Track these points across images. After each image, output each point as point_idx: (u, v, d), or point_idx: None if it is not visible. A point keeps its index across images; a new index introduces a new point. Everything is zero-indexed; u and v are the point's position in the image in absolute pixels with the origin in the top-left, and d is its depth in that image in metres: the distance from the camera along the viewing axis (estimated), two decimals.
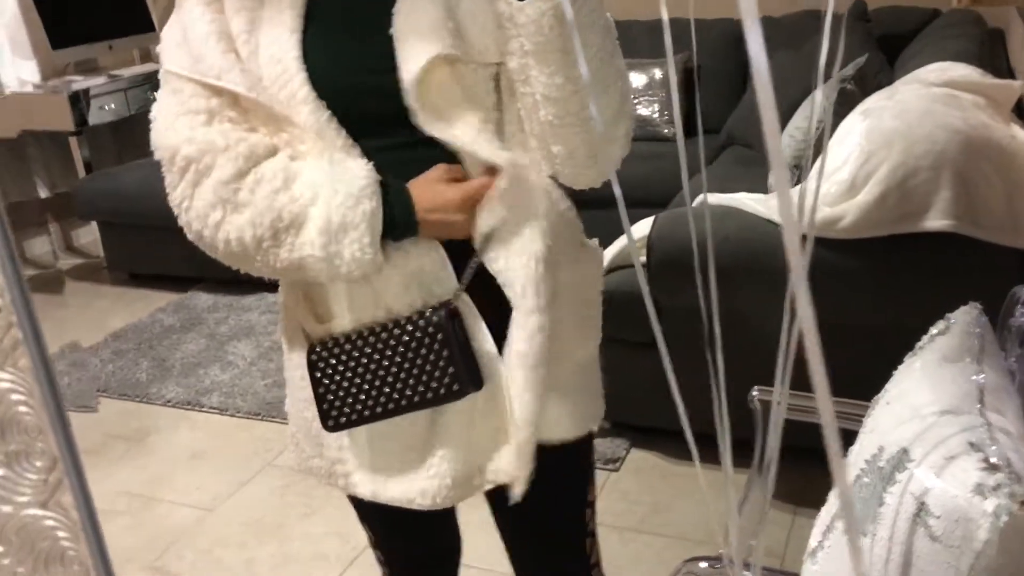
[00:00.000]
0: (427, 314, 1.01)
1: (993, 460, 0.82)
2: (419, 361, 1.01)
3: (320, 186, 0.96)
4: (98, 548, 0.44)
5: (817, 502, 1.12)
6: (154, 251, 3.88)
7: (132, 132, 4.52)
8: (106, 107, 4.10)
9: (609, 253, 2.49)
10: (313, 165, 0.97)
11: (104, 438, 2.79)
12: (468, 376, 1.02)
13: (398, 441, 1.08)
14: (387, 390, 1.03)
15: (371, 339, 1.03)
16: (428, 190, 0.99)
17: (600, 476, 2.35)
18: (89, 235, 4.47)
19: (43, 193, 4.35)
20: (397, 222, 0.98)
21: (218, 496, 2.46)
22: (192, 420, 2.86)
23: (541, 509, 1.17)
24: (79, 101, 3.98)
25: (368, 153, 0.99)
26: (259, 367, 3.10)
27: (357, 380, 1.04)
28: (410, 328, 1.01)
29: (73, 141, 4.04)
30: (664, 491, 2.29)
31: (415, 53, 0.95)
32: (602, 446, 2.43)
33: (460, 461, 1.06)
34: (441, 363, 1.01)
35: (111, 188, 3.85)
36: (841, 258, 1.99)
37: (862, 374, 1.20)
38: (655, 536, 2.14)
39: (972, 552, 0.81)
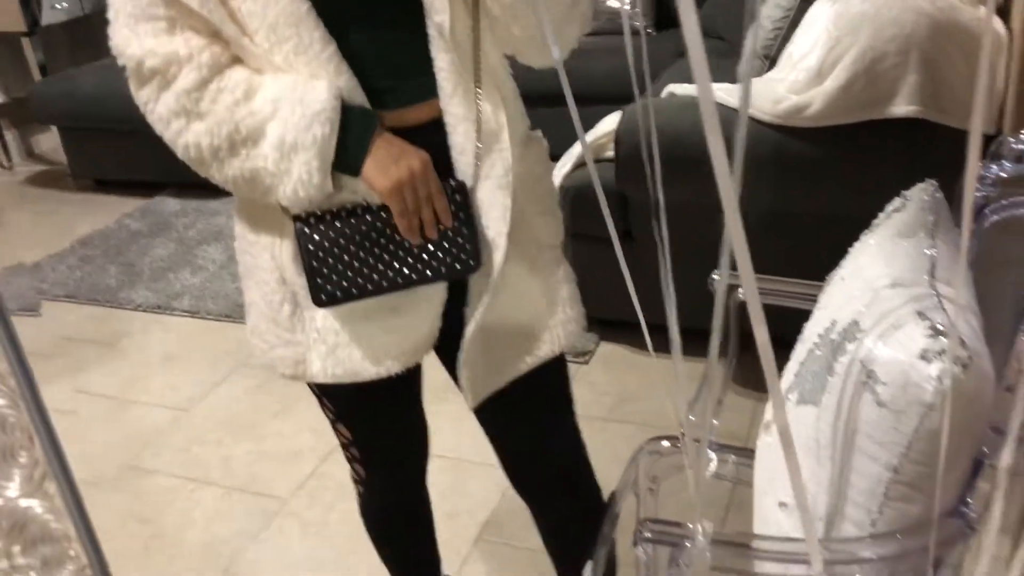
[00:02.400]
0: (446, 190, 1.03)
1: (939, 327, 0.84)
2: (434, 236, 1.04)
3: (280, 102, 0.96)
4: (84, 525, 0.44)
5: None
6: (118, 156, 3.82)
7: (88, 32, 4.37)
8: (58, 6, 3.96)
9: (575, 149, 2.47)
10: (277, 79, 0.97)
11: (75, 343, 2.79)
12: (478, 252, 1.05)
13: (374, 319, 1.09)
14: (392, 265, 1.03)
15: (374, 215, 1.02)
16: (396, 144, 1.00)
17: (570, 369, 2.39)
18: (50, 141, 4.38)
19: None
20: (349, 153, 0.99)
21: (192, 397, 2.48)
22: (164, 323, 2.86)
23: (529, 400, 1.21)
24: (30, 1, 3.84)
25: (348, 48, 0.98)
26: (229, 270, 3.08)
27: (357, 256, 1.03)
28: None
29: (26, 43, 3.92)
30: (632, 381, 2.33)
31: None
32: None
33: (428, 323, 1.11)
34: (459, 239, 1.04)
35: (69, 91, 3.75)
36: (809, 147, 1.98)
37: (830, 260, 1.22)
38: (623, 424, 2.19)
39: (917, 416, 0.83)
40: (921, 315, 0.86)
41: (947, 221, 1.08)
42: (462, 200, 1.04)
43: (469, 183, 1.05)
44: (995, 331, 0.97)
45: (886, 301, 0.92)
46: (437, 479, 1.59)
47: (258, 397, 2.45)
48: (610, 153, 2.29)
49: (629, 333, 2.42)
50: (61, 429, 0.71)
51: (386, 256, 1.03)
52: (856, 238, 1.13)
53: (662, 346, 0.73)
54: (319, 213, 1.02)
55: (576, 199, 2.34)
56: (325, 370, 1.11)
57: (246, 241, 1.14)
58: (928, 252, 0.99)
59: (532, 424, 1.26)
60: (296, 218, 1.02)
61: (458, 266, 1.04)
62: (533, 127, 1.18)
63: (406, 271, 1.04)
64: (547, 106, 1.74)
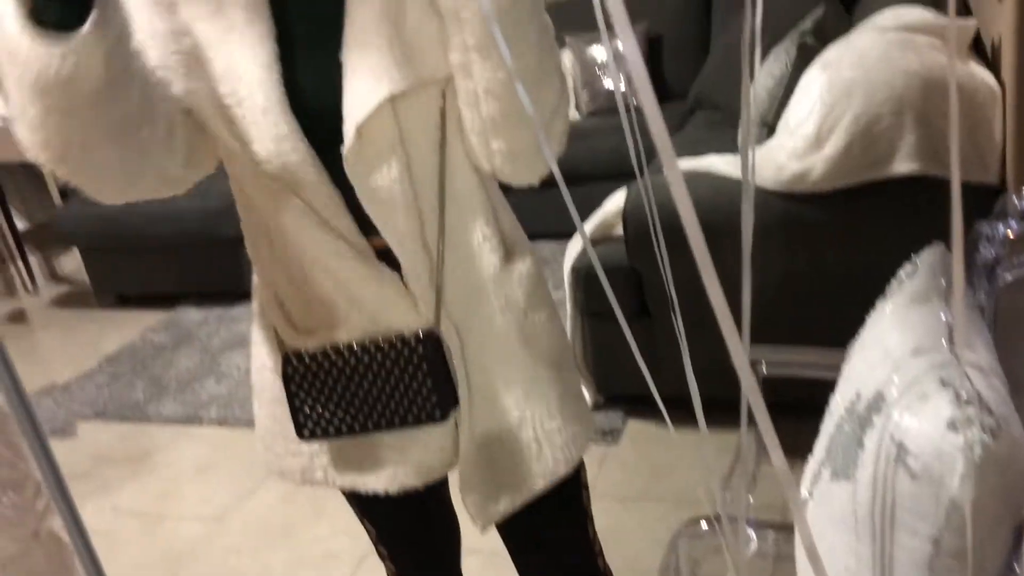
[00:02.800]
0: (411, 342, 1.02)
1: (964, 395, 0.85)
2: (401, 386, 1.03)
3: None
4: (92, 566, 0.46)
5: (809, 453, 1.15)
6: (138, 271, 3.89)
7: None
8: None
9: (586, 227, 2.51)
10: None
11: (106, 462, 2.81)
12: (451, 400, 1.04)
13: (371, 441, 1.10)
14: (366, 408, 1.05)
15: (350, 358, 1.03)
16: None
17: (599, 450, 2.38)
18: (72, 263, 4.47)
19: (22, 225, 4.35)
20: None
21: (226, 507, 2.48)
22: (193, 435, 2.87)
23: (540, 521, 1.20)
24: None
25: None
26: None
27: (335, 396, 1.05)
28: (393, 353, 1.02)
29: (47, 170, 4.03)
30: (663, 457, 2.32)
31: (362, 92, 0.95)
32: (599, 420, 2.46)
33: (436, 439, 1.10)
34: (424, 389, 1.03)
35: (90, 212, 3.84)
36: (815, 211, 2.01)
37: (842, 323, 1.23)
38: (658, 503, 2.17)
39: (951, 486, 0.83)
40: (944, 383, 0.87)
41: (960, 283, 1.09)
42: (425, 351, 1.01)
43: (431, 325, 1.03)
44: (1021, 390, 0.98)
45: (908, 371, 0.93)
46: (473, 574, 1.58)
47: (292, 502, 2.45)
48: (620, 231, 2.33)
49: (656, 408, 2.41)
50: (99, 550, 0.73)
51: (358, 399, 1.05)
52: (871, 298, 1.15)
53: (692, 418, 0.73)
54: (307, 351, 1.05)
55: (589, 278, 2.37)
56: (329, 479, 1.14)
57: (255, 360, 1.19)
58: (944, 317, 1.00)
59: (545, 540, 1.24)
60: (284, 356, 1.05)
61: (424, 416, 1.04)
62: (540, 210, 1.15)
63: (375, 416, 1.05)
64: (556, 185, 1.78)
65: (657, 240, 0.88)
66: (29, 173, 4.25)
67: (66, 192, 4.07)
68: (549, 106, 0.98)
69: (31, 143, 0.87)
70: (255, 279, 1.15)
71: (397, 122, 0.98)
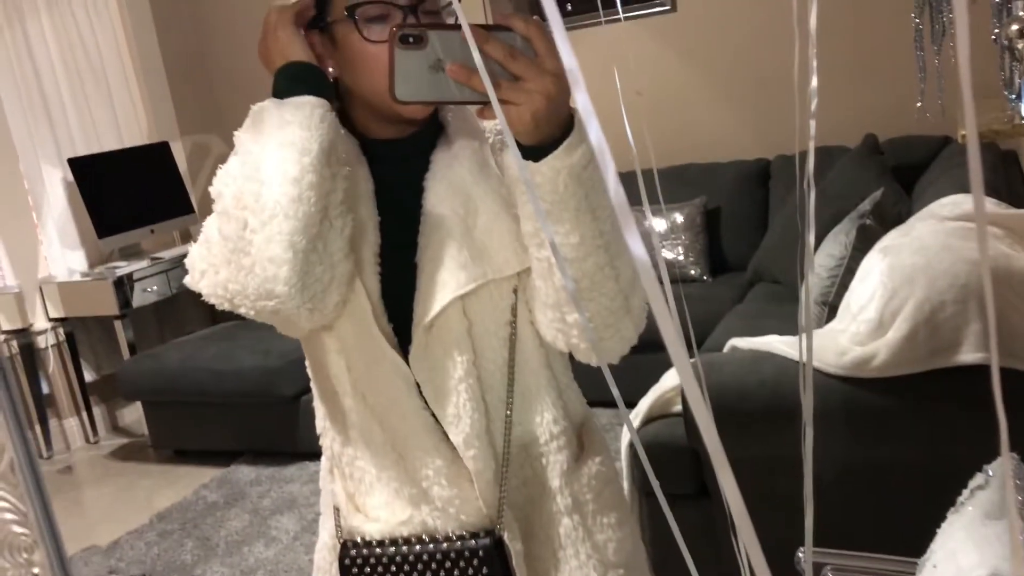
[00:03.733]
0: (472, 541, 1.01)
1: None
2: None
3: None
4: None
5: None
6: (197, 426, 3.94)
7: (174, 311, 4.66)
8: (148, 289, 4.25)
9: (644, 404, 2.48)
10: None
11: None
12: None
13: None
14: None
15: (409, 554, 1.02)
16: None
17: None
18: (133, 414, 4.55)
19: (89, 376, 4.46)
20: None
21: None
22: None
23: None
24: (123, 285, 4.14)
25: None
26: (302, 541, 3.07)
27: None
28: (453, 552, 1.01)
29: (118, 324, 4.18)
30: None
31: (431, 292, 0.99)
32: None
33: None
34: None
35: (154, 368, 3.94)
36: (878, 398, 1.96)
37: (906, 518, 1.17)
38: None
39: None
40: None
41: None
42: (486, 553, 0.99)
43: (494, 525, 1.02)
44: None
45: None
46: None
47: None
48: (678, 408, 2.29)
49: None
50: None
51: None
52: (938, 494, 1.10)
53: None
54: (368, 537, 1.04)
55: (647, 456, 2.32)
56: None
57: (321, 534, 1.19)
58: (1021, 536, 0.95)
59: None
60: (344, 543, 1.05)
61: None
62: (596, 375, 1.10)
63: None
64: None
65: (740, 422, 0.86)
66: (102, 326, 4.40)
67: (134, 347, 4.19)
68: (627, 277, 0.96)
69: (277, 241, 0.91)
70: (325, 456, 1.15)
71: (466, 319, 1.01)
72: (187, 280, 1.01)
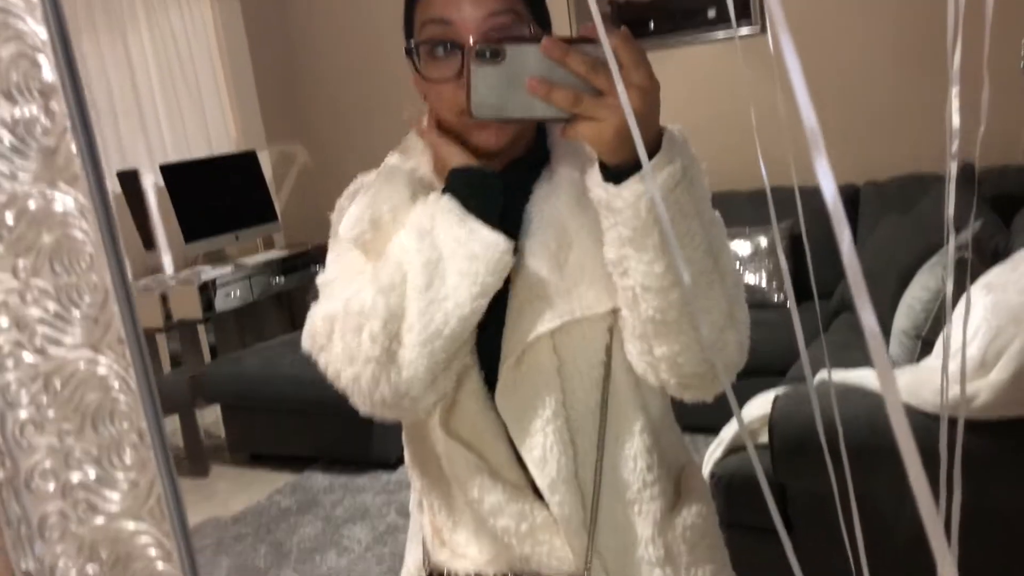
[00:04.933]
0: None
1: None
2: None
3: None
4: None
5: None
6: (274, 431, 4.00)
7: (255, 317, 4.75)
8: (232, 294, 4.34)
9: (727, 433, 2.43)
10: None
11: None
12: None
13: None
14: None
15: None
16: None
17: None
18: (211, 416, 4.64)
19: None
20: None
21: None
22: None
23: None
24: (207, 289, 4.24)
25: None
26: (374, 552, 3.08)
27: None
28: None
29: (201, 328, 4.27)
30: None
31: (518, 329, 0.97)
32: None
33: None
34: None
35: (234, 372, 4.02)
36: (979, 439, 1.89)
37: (1009, 570, 1.11)
38: None
39: None
40: None
41: None
42: None
43: (581, 573, 0.98)
44: None
45: None
46: None
47: None
48: (763, 439, 2.24)
49: None
50: None
51: None
52: None
53: None
54: (453, 573, 1.03)
55: (730, 487, 2.27)
56: None
57: (407, 559, 1.18)
58: None
59: None
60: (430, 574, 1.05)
61: None
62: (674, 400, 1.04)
63: None
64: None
65: (835, 455, 0.83)
66: (184, 328, 4.50)
67: (215, 350, 4.28)
68: (720, 310, 0.89)
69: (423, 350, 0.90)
70: (414, 488, 1.14)
71: (556, 357, 0.97)
72: (304, 344, 1.00)
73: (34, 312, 0.38)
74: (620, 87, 0.57)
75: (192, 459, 4.11)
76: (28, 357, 0.39)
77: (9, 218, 0.37)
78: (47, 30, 0.35)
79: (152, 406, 0.40)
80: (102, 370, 0.39)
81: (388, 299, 0.90)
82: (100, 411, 0.40)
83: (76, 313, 0.39)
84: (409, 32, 0.99)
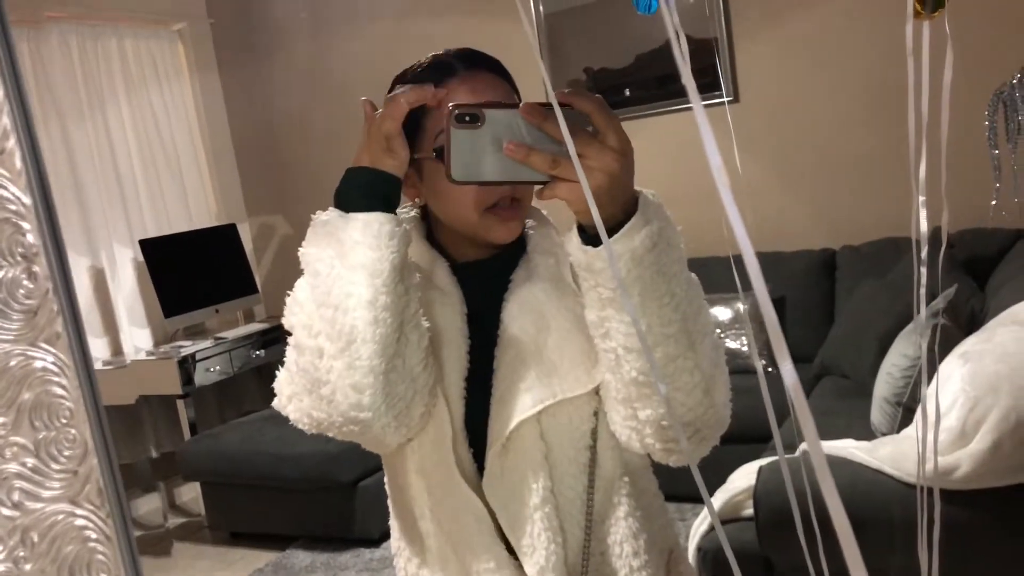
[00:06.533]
0: None
1: None
2: None
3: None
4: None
5: None
6: (254, 509, 3.94)
7: (235, 390, 4.71)
8: (211, 369, 4.31)
9: (713, 504, 2.41)
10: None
11: None
12: None
13: None
14: None
15: None
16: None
17: None
18: (191, 493, 4.57)
19: (152, 453, 4.51)
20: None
21: None
22: None
23: None
24: (187, 364, 4.21)
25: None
26: None
27: None
28: None
29: (180, 403, 4.23)
30: None
31: (501, 416, 0.98)
32: None
33: None
34: None
35: (213, 448, 3.96)
36: (961, 511, 1.89)
37: None
38: None
39: None
40: None
41: None
42: None
43: None
44: None
45: None
46: None
47: None
48: (748, 511, 2.23)
49: None
50: None
51: None
52: None
53: None
54: None
55: (717, 561, 2.26)
56: None
57: None
58: None
59: None
60: None
61: None
62: (660, 467, 1.03)
63: None
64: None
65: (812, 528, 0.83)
66: (163, 403, 4.46)
67: (194, 426, 4.23)
68: (701, 369, 0.90)
69: (358, 369, 0.90)
70: (399, 565, 1.13)
71: (543, 443, 0.98)
72: (275, 403, 1.01)
73: (12, 467, 0.38)
74: (572, 158, 0.57)
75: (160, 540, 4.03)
76: (5, 511, 0.39)
77: None
78: (31, 196, 0.36)
79: (131, 556, 0.40)
80: (80, 522, 0.40)
81: (309, 331, 0.93)
82: (78, 562, 0.40)
83: (55, 467, 0.39)
84: (418, 146, 1.00)
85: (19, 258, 0.37)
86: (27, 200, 0.36)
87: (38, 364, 0.38)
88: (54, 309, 0.37)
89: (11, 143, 0.36)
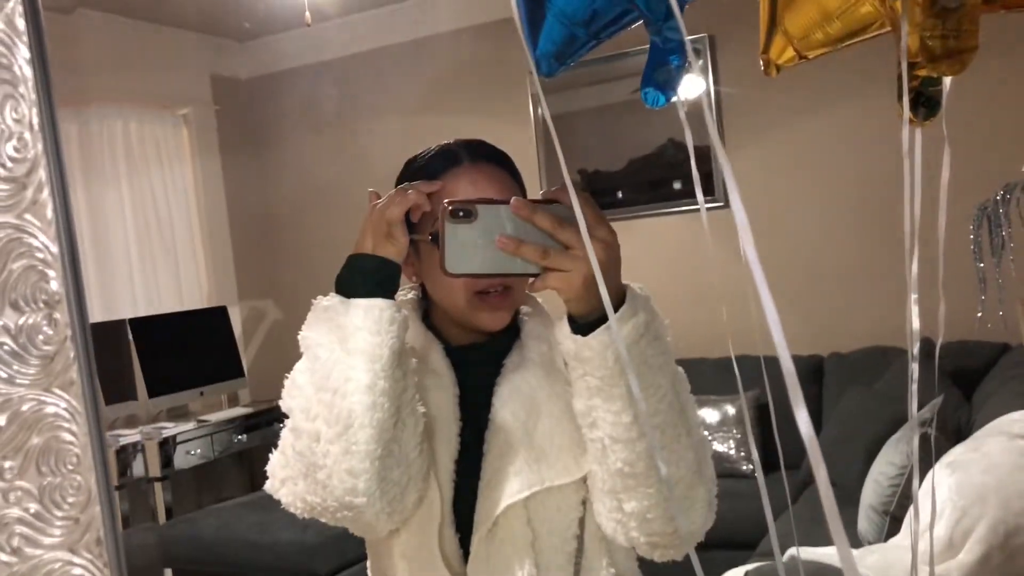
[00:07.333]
0: None
1: None
2: None
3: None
4: None
5: None
6: None
7: (214, 474, 4.63)
8: (192, 452, 4.25)
9: None
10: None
11: None
12: None
13: None
14: None
15: None
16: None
17: None
18: None
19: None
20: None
21: None
22: None
23: None
24: (167, 446, 4.15)
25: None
26: None
27: None
28: None
29: (157, 486, 4.15)
30: None
31: (487, 500, 0.98)
32: None
33: None
34: None
35: (189, 534, 3.87)
36: None
37: None
38: None
39: None
40: None
41: None
42: None
43: None
44: None
45: None
46: None
47: None
48: None
49: None
50: None
51: None
52: None
53: None
54: None
55: None
56: None
57: None
58: None
59: None
60: None
61: None
62: (645, 563, 1.03)
63: None
64: None
65: None
66: (136, 491, 4.37)
67: (171, 510, 4.14)
68: (687, 464, 0.91)
69: (355, 453, 0.91)
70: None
71: (530, 530, 0.98)
72: (267, 486, 1.01)
73: (14, 512, 0.39)
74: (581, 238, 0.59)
75: None
76: (3, 556, 0.39)
77: (1, 420, 0.38)
78: (59, 246, 0.38)
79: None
80: (77, 571, 0.40)
81: (306, 414, 0.94)
82: None
83: (57, 513, 0.39)
84: (417, 228, 1.02)
85: (41, 304, 0.38)
86: (55, 249, 0.38)
87: (50, 409, 0.39)
88: (71, 356, 0.38)
89: (45, 194, 0.38)
